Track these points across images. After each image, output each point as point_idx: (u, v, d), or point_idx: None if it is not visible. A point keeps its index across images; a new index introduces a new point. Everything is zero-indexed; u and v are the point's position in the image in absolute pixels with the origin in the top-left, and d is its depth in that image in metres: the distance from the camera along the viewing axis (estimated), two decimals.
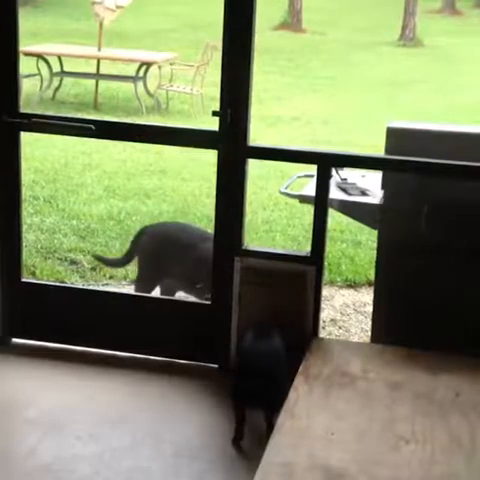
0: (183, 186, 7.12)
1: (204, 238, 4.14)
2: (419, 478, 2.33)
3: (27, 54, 9.24)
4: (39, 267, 5.00)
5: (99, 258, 4.97)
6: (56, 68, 10.28)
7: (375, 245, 3.60)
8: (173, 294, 4.24)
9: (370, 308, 3.83)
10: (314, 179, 3.35)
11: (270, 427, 2.99)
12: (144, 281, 4.28)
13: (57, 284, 4.53)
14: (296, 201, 4.18)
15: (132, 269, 5.07)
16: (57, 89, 10.38)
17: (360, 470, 2.35)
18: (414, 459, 2.41)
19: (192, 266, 4.10)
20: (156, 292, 4.25)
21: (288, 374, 3.08)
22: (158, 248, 4.27)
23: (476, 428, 2.60)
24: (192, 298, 4.13)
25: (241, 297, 3.42)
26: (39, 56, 10.08)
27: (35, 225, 5.74)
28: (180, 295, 4.27)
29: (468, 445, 2.50)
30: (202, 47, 10.38)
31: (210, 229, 3.82)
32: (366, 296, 4.79)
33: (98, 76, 10.44)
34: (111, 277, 4.96)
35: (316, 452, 2.44)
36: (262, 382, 2.96)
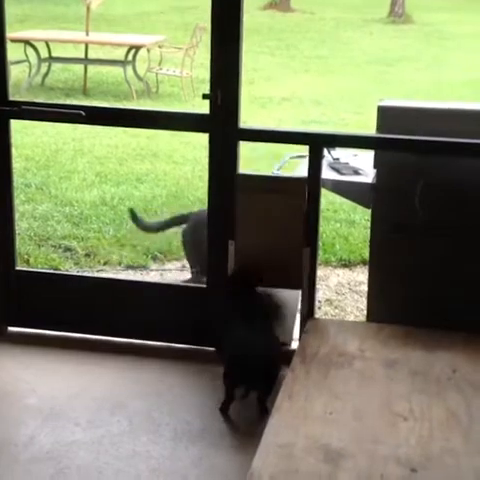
0: (175, 170, 7.10)
1: None
2: (418, 455, 2.33)
3: (14, 40, 9.18)
4: (33, 255, 4.99)
5: (134, 214, 4.74)
6: (44, 54, 10.21)
7: (369, 224, 3.60)
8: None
9: (365, 287, 3.84)
10: (306, 160, 3.35)
11: (263, 409, 3.01)
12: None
13: (52, 271, 4.53)
14: None
15: (126, 254, 5.08)
16: (46, 75, 10.33)
17: (359, 449, 2.36)
18: (412, 436, 2.42)
19: None
20: (156, 278, 4.24)
21: (280, 355, 3.10)
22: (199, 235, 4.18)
23: (473, 404, 2.61)
24: None
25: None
26: (26, 42, 10.02)
27: (28, 213, 5.72)
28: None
29: (465, 421, 2.51)
30: (191, 29, 10.33)
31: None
32: (361, 275, 4.80)
33: (87, 61, 10.39)
34: (106, 263, 4.96)
35: (315, 432, 2.44)
36: (256, 363, 2.96)
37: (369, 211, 3.60)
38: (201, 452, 2.92)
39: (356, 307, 4.43)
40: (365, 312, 3.68)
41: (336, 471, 2.26)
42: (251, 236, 3.36)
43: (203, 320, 3.53)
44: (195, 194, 6.23)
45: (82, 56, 10.46)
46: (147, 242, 5.24)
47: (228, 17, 3.22)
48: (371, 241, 3.52)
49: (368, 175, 3.74)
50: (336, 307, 4.45)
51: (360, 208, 5.09)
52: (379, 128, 3.35)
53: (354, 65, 12.21)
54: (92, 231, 5.46)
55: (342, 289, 4.68)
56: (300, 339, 3.14)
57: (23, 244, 5.08)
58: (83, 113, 3.43)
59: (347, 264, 5.02)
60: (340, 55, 13.04)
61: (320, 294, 4.46)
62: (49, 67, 10.40)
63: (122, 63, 10.07)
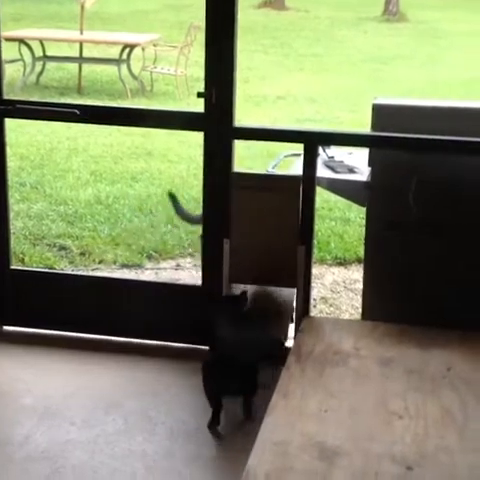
0: (170, 168, 7.09)
1: None
2: (413, 453, 2.34)
3: (9, 39, 9.15)
4: (28, 254, 4.98)
5: (175, 199, 4.59)
6: (38, 53, 10.20)
7: (364, 222, 3.61)
8: None
9: (360, 285, 3.84)
10: (301, 158, 3.35)
11: (248, 411, 3.02)
12: None
13: (46, 270, 4.52)
14: None
15: (121, 253, 5.08)
16: (40, 74, 10.31)
17: (354, 447, 2.36)
18: (407, 434, 2.43)
19: None
20: (151, 276, 4.23)
21: (260, 357, 3.09)
22: None
23: (467, 402, 2.61)
24: None
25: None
26: (21, 41, 10.00)
27: (23, 212, 5.72)
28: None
29: (460, 419, 2.52)
30: (185, 27, 10.32)
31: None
32: (356, 273, 4.80)
33: (81, 59, 10.37)
34: (101, 262, 4.96)
35: (310, 430, 2.45)
36: (237, 370, 2.95)
37: (364, 209, 3.60)
38: (197, 450, 2.92)
39: (351, 305, 4.43)
40: (360, 310, 3.69)
41: (331, 469, 2.26)
42: (246, 234, 3.36)
43: (199, 319, 3.52)
44: (190, 192, 6.22)
45: (77, 55, 10.45)
46: (142, 241, 5.24)
47: (222, 15, 3.22)
48: (366, 239, 3.52)
49: (363, 173, 3.74)
50: (331, 305, 4.45)
51: (355, 206, 5.09)
52: (374, 126, 3.35)
53: (349, 63, 12.21)
54: (87, 230, 5.45)
55: (337, 287, 4.68)
56: (295, 337, 3.14)
57: (18, 243, 5.07)
58: (78, 112, 3.42)
59: (342, 262, 5.02)
60: (335, 53, 13.04)
61: (315, 292, 4.47)
62: (43, 66, 10.38)
63: (117, 62, 10.06)
